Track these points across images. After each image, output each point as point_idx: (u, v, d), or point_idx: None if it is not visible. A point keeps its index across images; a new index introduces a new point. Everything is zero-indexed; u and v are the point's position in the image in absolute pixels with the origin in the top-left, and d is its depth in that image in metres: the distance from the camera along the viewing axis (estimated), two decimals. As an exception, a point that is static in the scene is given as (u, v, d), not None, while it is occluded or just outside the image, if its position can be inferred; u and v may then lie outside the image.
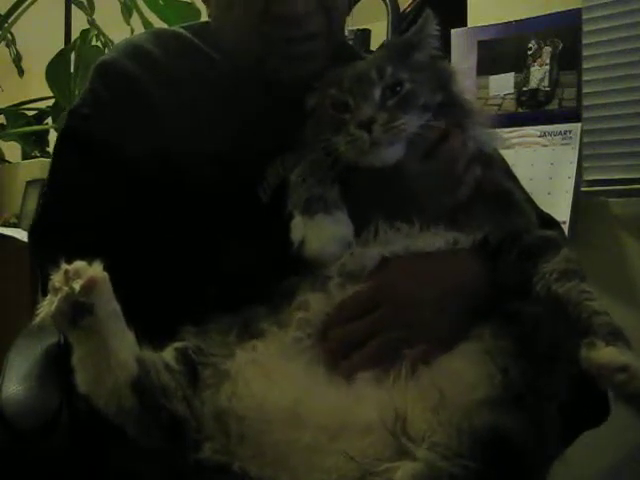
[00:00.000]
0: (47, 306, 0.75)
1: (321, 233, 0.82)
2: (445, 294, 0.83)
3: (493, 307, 0.81)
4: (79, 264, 0.75)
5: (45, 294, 0.77)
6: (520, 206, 0.89)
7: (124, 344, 0.78)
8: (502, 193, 0.88)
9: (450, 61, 1.98)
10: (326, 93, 0.89)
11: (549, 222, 1.03)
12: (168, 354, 0.81)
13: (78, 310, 0.75)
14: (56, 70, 2.87)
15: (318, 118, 0.90)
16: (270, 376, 0.79)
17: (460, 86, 0.92)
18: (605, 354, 0.70)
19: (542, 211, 1.08)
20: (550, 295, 0.77)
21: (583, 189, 1.87)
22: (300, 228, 0.83)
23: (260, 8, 0.95)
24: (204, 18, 1.14)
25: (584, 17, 1.86)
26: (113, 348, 0.77)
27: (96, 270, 0.76)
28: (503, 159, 1.02)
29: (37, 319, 0.76)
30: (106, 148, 0.96)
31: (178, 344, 0.81)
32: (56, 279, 0.75)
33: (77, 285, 0.74)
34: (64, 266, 0.75)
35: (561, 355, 0.75)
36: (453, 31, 2.10)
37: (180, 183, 0.93)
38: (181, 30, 1.08)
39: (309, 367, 0.79)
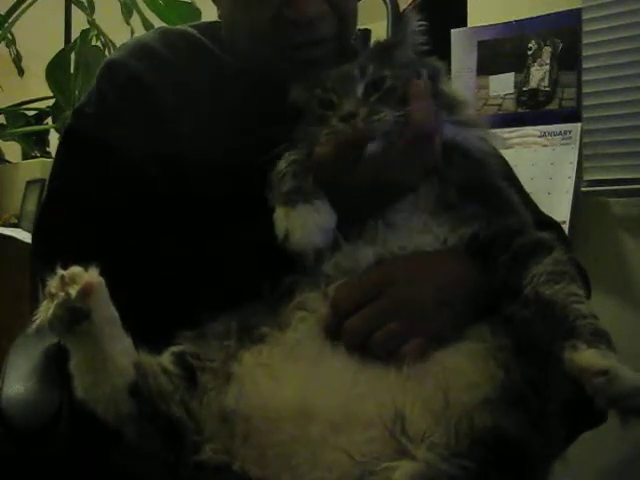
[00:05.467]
0: (44, 312, 0.74)
1: (304, 223, 0.81)
2: (442, 289, 0.83)
3: (490, 308, 0.81)
4: (75, 269, 0.75)
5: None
6: (513, 207, 0.88)
7: (121, 349, 0.78)
8: (493, 192, 0.88)
9: (450, 61, 1.99)
10: (312, 93, 0.89)
11: (548, 224, 1.03)
12: (165, 358, 0.81)
13: (75, 316, 0.74)
14: (56, 70, 2.86)
15: (306, 121, 0.90)
16: (274, 377, 0.79)
17: (449, 83, 0.93)
18: (586, 357, 0.69)
19: (541, 213, 1.07)
20: (538, 298, 0.76)
21: (583, 189, 1.87)
22: (282, 220, 0.82)
23: (272, 11, 0.94)
24: (204, 18, 1.14)
25: (584, 17, 1.86)
26: (110, 353, 0.77)
27: (92, 275, 0.75)
28: (503, 159, 1.02)
29: (34, 325, 0.75)
30: (110, 148, 0.95)
31: (175, 348, 0.81)
32: (52, 285, 0.74)
33: (73, 291, 0.74)
34: (60, 271, 0.75)
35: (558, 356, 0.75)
36: (453, 31, 2.10)
37: (182, 184, 0.93)
38: (189, 29, 1.08)
39: (311, 366, 0.79)
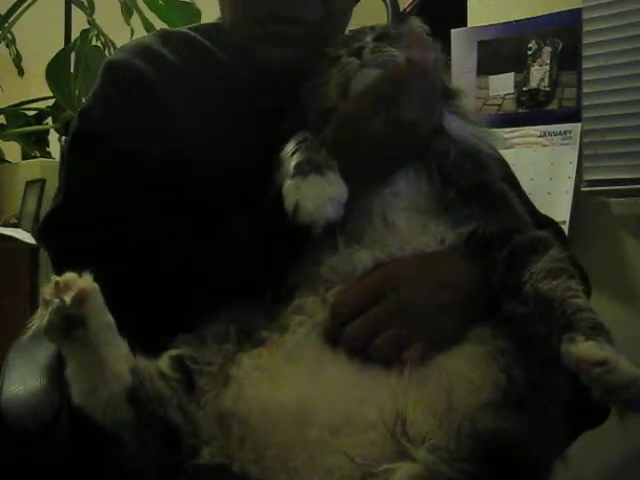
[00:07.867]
0: (39, 319, 0.74)
1: (316, 194, 0.79)
2: (442, 292, 0.83)
3: (491, 309, 0.81)
4: (69, 276, 0.74)
5: None
6: (511, 206, 0.88)
7: (117, 355, 0.78)
8: (492, 191, 0.88)
9: (450, 61, 1.99)
10: (323, 56, 0.91)
11: (546, 224, 1.03)
12: (163, 362, 0.80)
13: (70, 322, 0.74)
14: (56, 70, 2.87)
15: (316, 101, 0.90)
16: (273, 379, 0.79)
17: (447, 76, 0.94)
18: (584, 348, 0.69)
19: (539, 213, 1.07)
20: (537, 294, 0.76)
21: (583, 189, 1.87)
22: (292, 192, 0.80)
23: None
24: (204, 18, 1.14)
25: (584, 17, 1.86)
26: (106, 359, 0.76)
27: (86, 281, 0.75)
28: (500, 157, 1.02)
29: (29, 333, 0.75)
30: (121, 147, 0.94)
31: (173, 352, 0.81)
32: (47, 292, 0.74)
33: (68, 297, 0.73)
34: (54, 278, 0.74)
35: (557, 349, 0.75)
36: (453, 31, 2.09)
37: (188, 184, 0.92)
38: (188, 31, 1.08)
39: (310, 369, 0.79)
